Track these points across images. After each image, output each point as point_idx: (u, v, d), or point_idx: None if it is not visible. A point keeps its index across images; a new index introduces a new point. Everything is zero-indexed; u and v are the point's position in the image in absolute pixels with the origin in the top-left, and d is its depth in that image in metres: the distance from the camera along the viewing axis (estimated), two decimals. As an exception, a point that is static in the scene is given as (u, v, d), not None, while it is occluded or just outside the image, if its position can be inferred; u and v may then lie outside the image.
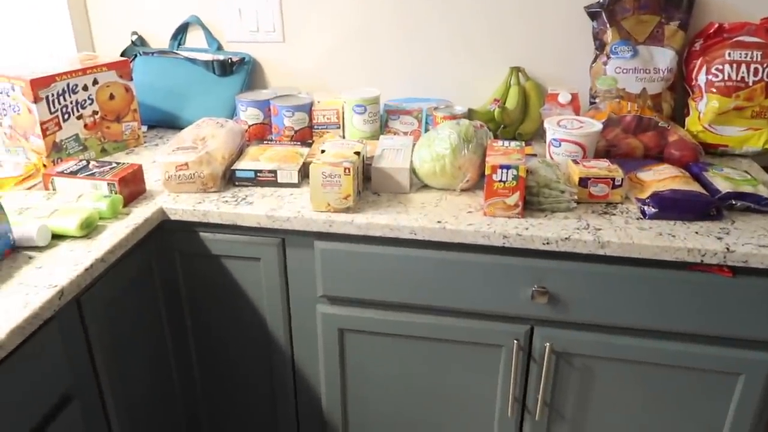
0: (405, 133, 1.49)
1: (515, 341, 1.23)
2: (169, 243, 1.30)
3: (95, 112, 1.44)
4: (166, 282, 1.34)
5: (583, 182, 1.22)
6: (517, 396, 1.29)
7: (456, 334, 1.27)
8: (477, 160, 1.26)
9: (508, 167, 1.14)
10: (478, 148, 1.26)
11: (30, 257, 1.05)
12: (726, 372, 1.19)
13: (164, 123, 1.68)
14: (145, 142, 1.57)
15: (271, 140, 1.49)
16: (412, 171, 1.29)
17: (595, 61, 1.54)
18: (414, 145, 1.39)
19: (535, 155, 1.39)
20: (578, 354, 1.23)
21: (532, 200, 1.20)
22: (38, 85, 1.31)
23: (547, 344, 1.22)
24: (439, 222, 1.17)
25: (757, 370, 1.17)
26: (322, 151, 1.25)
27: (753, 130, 1.44)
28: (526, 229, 1.14)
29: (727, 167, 1.33)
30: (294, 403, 1.44)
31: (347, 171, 1.17)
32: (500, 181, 1.15)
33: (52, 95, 1.34)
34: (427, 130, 1.48)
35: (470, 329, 1.26)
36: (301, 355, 1.38)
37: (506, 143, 1.25)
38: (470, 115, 1.46)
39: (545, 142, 1.55)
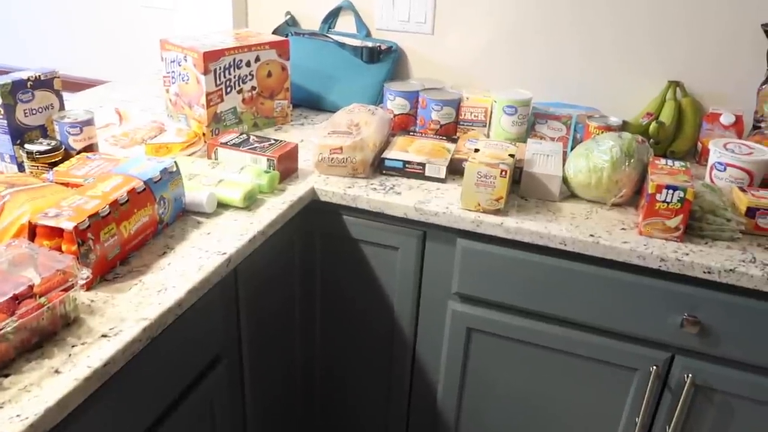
0: (552, 139, 1.46)
1: (653, 367, 1.18)
2: (312, 222, 1.34)
3: (253, 88, 1.50)
4: (305, 259, 1.38)
5: (751, 212, 1.15)
6: (645, 424, 1.24)
7: (590, 351, 1.24)
8: (635, 176, 1.22)
9: (675, 188, 1.09)
10: (638, 164, 1.22)
11: (198, 222, 1.11)
12: None
13: (308, 103, 1.72)
14: (291, 121, 1.62)
15: (416, 132, 1.50)
16: (564, 179, 1.26)
17: (766, 82, 1.44)
18: (564, 152, 1.36)
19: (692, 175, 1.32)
20: (720, 390, 1.17)
21: (693, 225, 1.15)
22: (210, 58, 1.37)
23: (689, 375, 1.17)
24: (592, 235, 1.14)
25: None
26: (476, 150, 1.24)
27: None
28: (687, 254, 1.09)
29: None
30: (408, 394, 1.45)
31: (504, 173, 1.16)
32: (664, 201, 1.11)
33: (220, 68, 1.40)
34: (575, 137, 1.44)
35: (606, 348, 1.22)
36: (423, 349, 1.39)
37: (670, 162, 1.20)
38: (624, 126, 1.41)
39: (697, 162, 1.48)
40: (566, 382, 1.29)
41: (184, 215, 1.12)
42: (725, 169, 1.25)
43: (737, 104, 1.50)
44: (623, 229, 1.17)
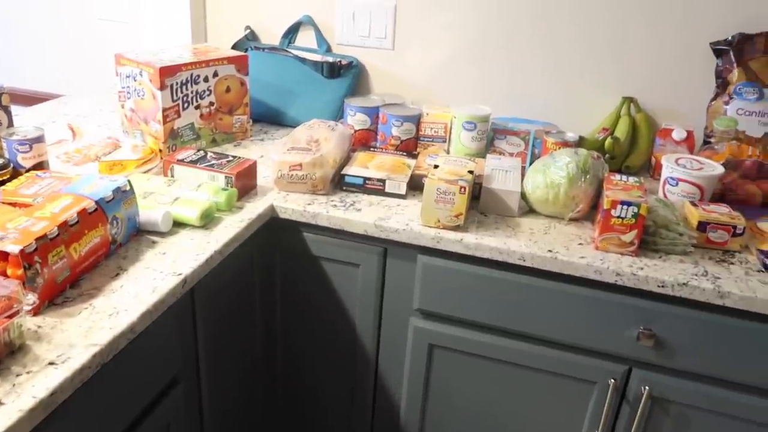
0: (511, 154, 1.47)
1: (612, 380, 1.20)
2: (271, 239, 1.32)
3: (212, 104, 1.48)
4: (265, 277, 1.36)
5: (702, 226, 1.18)
6: (604, 435, 1.26)
7: (549, 365, 1.25)
8: (591, 191, 1.24)
9: (629, 204, 1.12)
10: (594, 180, 1.24)
11: (153, 242, 1.08)
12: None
13: (268, 118, 1.71)
14: (251, 136, 1.60)
15: (376, 147, 1.50)
16: (522, 195, 1.28)
17: (714, 99, 1.49)
18: (522, 167, 1.37)
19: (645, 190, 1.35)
20: (676, 402, 1.20)
21: (647, 239, 1.17)
22: (166, 73, 1.35)
23: (646, 387, 1.18)
24: (550, 251, 1.15)
25: None
26: (435, 167, 1.25)
27: None
28: (641, 269, 1.11)
29: None
30: (371, 409, 1.44)
31: (463, 190, 1.17)
32: (618, 217, 1.13)
33: (176, 84, 1.38)
34: (533, 153, 1.46)
35: (565, 361, 1.23)
36: (386, 365, 1.38)
37: (624, 178, 1.22)
38: (580, 142, 1.44)
39: (651, 177, 1.52)
40: (527, 396, 1.30)
41: (139, 235, 1.09)
42: (677, 184, 1.29)
43: (688, 120, 1.54)
44: (580, 244, 1.19)
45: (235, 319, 1.27)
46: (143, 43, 1.83)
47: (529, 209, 1.30)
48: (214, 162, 1.27)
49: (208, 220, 1.15)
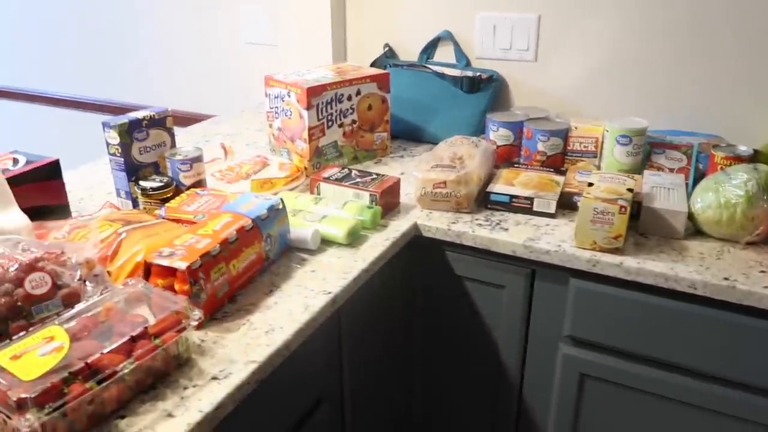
0: (671, 170, 1.35)
1: (798, 428, 1.05)
2: (413, 258, 1.30)
3: (354, 122, 1.49)
4: (406, 296, 1.34)
5: None
6: (788, 490, 1.10)
7: (719, 405, 1.11)
8: (774, 212, 1.10)
9: (826, 227, 0.97)
10: (777, 199, 1.10)
11: (303, 259, 1.10)
12: None
13: (407, 135, 1.70)
14: (391, 153, 1.60)
15: (520, 163, 1.44)
16: (689, 215, 1.16)
17: None
18: (686, 185, 1.25)
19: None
20: None
21: None
22: (313, 93, 1.38)
23: (843, 440, 1.02)
24: (726, 279, 1.03)
25: None
26: (590, 184, 1.16)
27: None
28: (841, 302, 0.97)
29: None
30: (513, 440, 1.37)
31: (623, 210, 1.08)
32: (812, 241, 0.99)
33: (322, 103, 1.41)
34: (697, 168, 1.33)
35: (738, 402, 1.10)
36: (530, 394, 1.31)
37: (816, 197, 1.07)
38: (756, 156, 1.29)
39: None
40: (693, 439, 1.17)
41: (289, 252, 1.11)
42: None
43: None
44: (762, 271, 1.05)
45: (378, 339, 1.26)
46: (287, 65, 1.90)
47: (695, 231, 1.18)
48: (358, 180, 1.28)
49: (354, 239, 1.15)
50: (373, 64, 1.81)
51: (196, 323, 0.82)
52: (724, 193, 1.11)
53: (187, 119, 2.09)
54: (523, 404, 1.33)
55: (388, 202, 1.27)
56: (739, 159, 1.24)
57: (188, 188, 1.23)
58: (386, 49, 1.82)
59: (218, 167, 1.42)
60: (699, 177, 1.27)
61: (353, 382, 1.17)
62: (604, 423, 1.24)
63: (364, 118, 1.51)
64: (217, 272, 0.92)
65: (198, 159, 1.25)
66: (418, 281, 1.33)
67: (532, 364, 1.28)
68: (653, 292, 1.10)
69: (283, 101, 1.45)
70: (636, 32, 1.53)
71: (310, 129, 1.41)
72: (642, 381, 1.16)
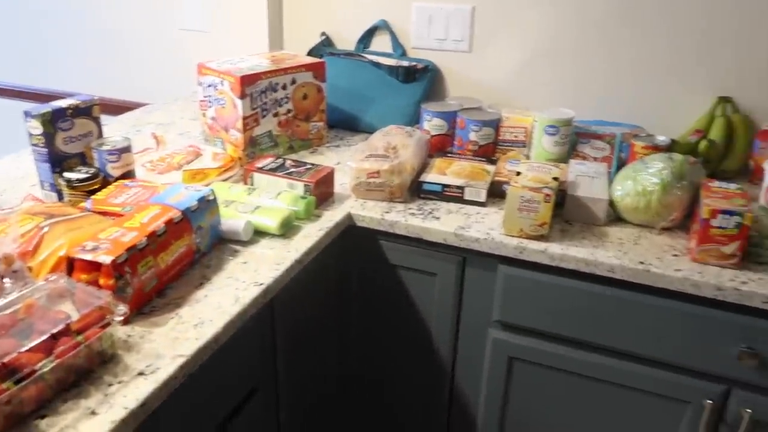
0: (595, 159, 1.41)
1: (708, 401, 1.12)
2: (347, 248, 1.31)
3: (289, 111, 1.48)
4: (341, 286, 1.35)
5: (813, 238, 1.08)
6: (699, 460, 1.18)
7: (638, 382, 1.18)
8: (686, 199, 1.16)
9: (731, 213, 1.04)
10: (690, 187, 1.16)
11: (235, 250, 1.09)
12: None
13: (343, 124, 1.71)
14: (327, 142, 1.61)
15: (453, 153, 1.47)
16: (610, 202, 1.21)
17: (823, 98, 1.37)
18: (608, 173, 1.31)
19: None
20: (782, 427, 1.11)
21: (750, 251, 1.09)
22: (246, 82, 1.37)
23: (747, 411, 1.10)
24: (641, 263, 1.09)
25: None
26: (518, 173, 1.20)
27: None
28: (744, 283, 1.03)
29: None
30: (446, 424, 1.41)
31: (548, 198, 1.12)
32: (719, 227, 1.05)
33: (256, 92, 1.40)
34: (620, 157, 1.39)
35: (655, 379, 1.16)
36: (462, 376, 1.35)
37: (725, 184, 1.14)
38: (672, 146, 1.35)
39: (750, 182, 1.41)
40: (613, 415, 1.23)
41: (221, 244, 1.11)
42: (783, 191, 1.19)
43: (792, 120, 1.43)
44: (675, 255, 1.12)
45: (313, 328, 1.27)
46: (222, 52, 1.87)
47: (616, 217, 1.24)
48: (292, 170, 1.28)
49: (287, 229, 1.15)
50: (309, 53, 1.81)
51: (121, 318, 0.81)
52: (641, 181, 1.17)
53: (119, 108, 2.03)
54: (455, 388, 1.36)
55: (323, 192, 1.28)
56: (656, 148, 1.31)
57: (116, 180, 1.20)
58: (323, 37, 1.82)
59: (149, 158, 1.39)
60: (621, 166, 1.32)
61: (288, 371, 1.18)
62: (532, 403, 1.29)
63: (300, 108, 1.51)
64: (145, 266, 0.91)
65: (126, 149, 1.22)
66: (353, 270, 1.34)
67: (463, 349, 1.32)
68: (576, 276, 1.15)
69: (216, 90, 1.43)
70: (567, 25, 1.57)
71: (244, 118, 1.40)
72: (567, 362, 1.22)
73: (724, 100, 1.47)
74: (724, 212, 1.04)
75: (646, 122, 1.54)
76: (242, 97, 1.37)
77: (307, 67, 1.49)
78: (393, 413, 1.47)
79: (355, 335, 1.41)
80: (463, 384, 1.35)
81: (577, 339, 1.19)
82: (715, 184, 1.15)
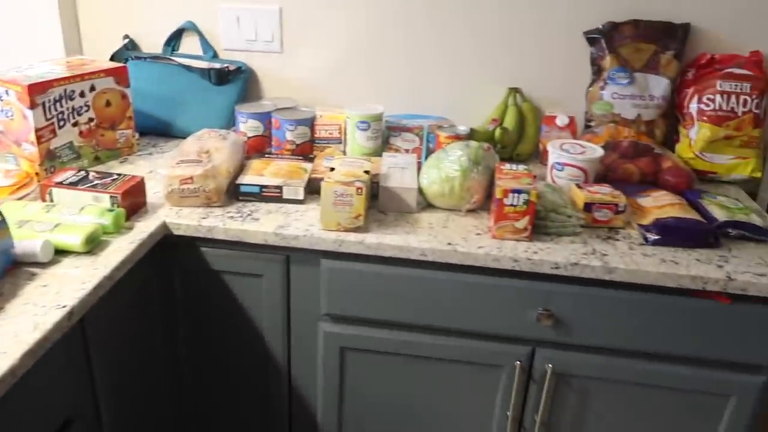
0: (406, 151, 1.49)
1: (517, 363, 1.24)
2: (167, 257, 1.27)
3: (91, 120, 1.39)
4: (164, 298, 1.30)
5: (587, 207, 1.24)
6: (515, 416, 1.30)
7: (458, 355, 1.28)
8: (485, 182, 1.28)
9: (519, 192, 1.16)
10: (486, 171, 1.28)
11: (33, 274, 1.01)
12: (717, 394, 1.23)
13: (156, 130, 1.64)
14: (138, 151, 1.53)
15: (271, 153, 1.47)
16: (420, 191, 1.29)
17: (591, 85, 1.57)
18: (418, 163, 1.39)
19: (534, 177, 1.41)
20: (577, 375, 1.26)
21: (539, 224, 1.22)
22: (35, 90, 1.26)
23: (549, 366, 1.24)
24: (449, 244, 1.18)
25: (749, 393, 1.21)
26: (331, 169, 1.24)
27: (741, 158, 1.50)
28: (535, 253, 1.16)
29: (719, 195, 1.37)
30: (288, 420, 1.42)
31: (360, 191, 1.17)
32: (511, 205, 1.17)
33: (49, 101, 1.29)
34: (428, 147, 1.48)
35: (472, 349, 1.27)
36: (298, 372, 1.36)
37: (514, 167, 1.27)
38: (472, 134, 1.47)
39: (541, 163, 1.58)
40: (439, 387, 1.32)
41: (15, 268, 1.02)
42: (563, 169, 1.35)
43: (569, 107, 1.62)
44: (478, 234, 1.22)
45: (136, 346, 1.21)
46: (12, 60, 1.70)
47: (427, 204, 1.32)
48: (97, 182, 1.20)
49: (94, 245, 1.09)
50: (112, 58, 1.70)
51: None
52: (444, 168, 1.26)
53: None
54: (292, 383, 1.38)
55: (133, 203, 1.22)
56: (458, 137, 1.42)
57: None
58: (126, 40, 1.73)
59: (-76, 180, 1.23)
60: (429, 156, 1.41)
61: (112, 395, 1.11)
62: (367, 388, 1.34)
63: (103, 116, 1.42)
64: None
65: None
66: (176, 280, 1.30)
67: (296, 346, 1.34)
68: (394, 263, 1.21)
69: (1, 101, 1.30)
70: (375, 26, 1.64)
71: (37, 130, 1.29)
72: (393, 345, 1.28)
73: (514, 90, 1.63)
74: (514, 191, 1.16)
75: (451, 114, 1.66)
76: (32, 107, 1.27)
77: (107, 72, 1.41)
78: (231, 417, 1.44)
79: (186, 347, 1.37)
80: (299, 381, 1.37)
81: (400, 322, 1.26)
82: (506, 166, 1.27)
